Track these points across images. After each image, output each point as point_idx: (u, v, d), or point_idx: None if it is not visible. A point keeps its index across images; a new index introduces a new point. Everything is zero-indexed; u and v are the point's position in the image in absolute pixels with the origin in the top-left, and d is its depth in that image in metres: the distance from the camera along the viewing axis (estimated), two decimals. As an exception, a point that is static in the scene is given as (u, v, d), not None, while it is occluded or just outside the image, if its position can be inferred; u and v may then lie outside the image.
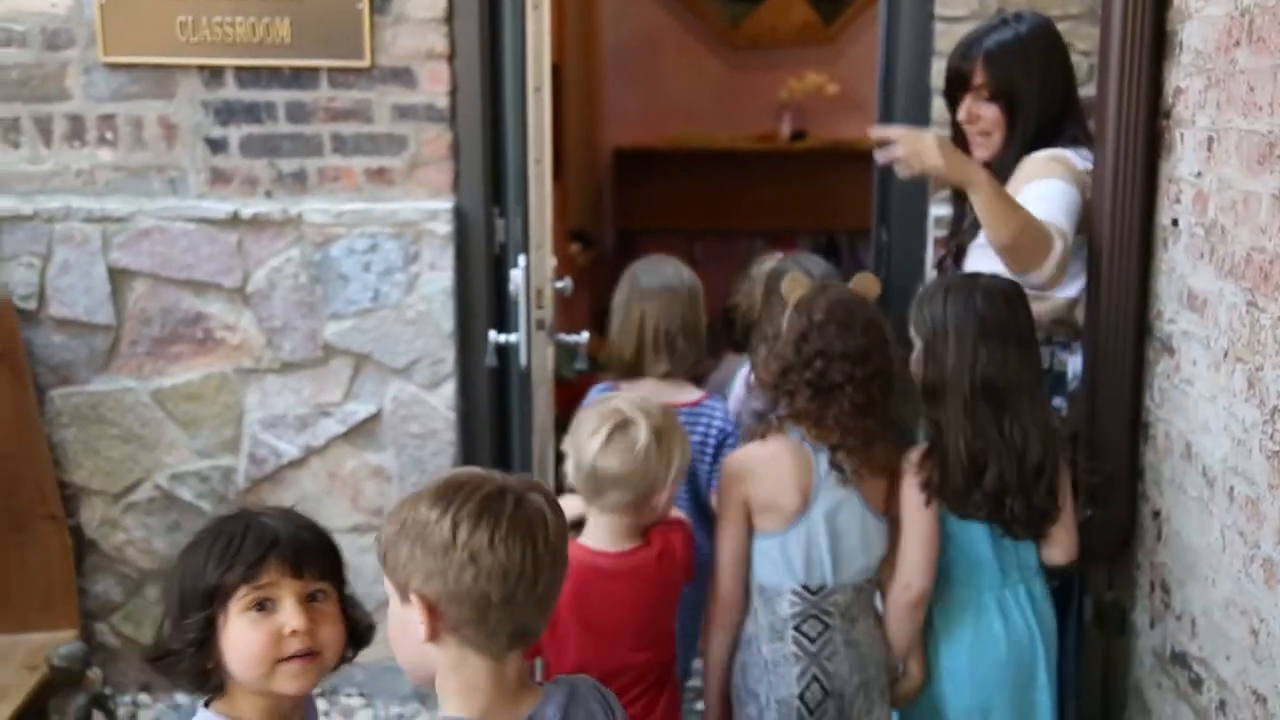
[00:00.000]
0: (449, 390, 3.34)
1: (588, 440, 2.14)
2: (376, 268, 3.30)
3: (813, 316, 2.19)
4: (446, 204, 3.29)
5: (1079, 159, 2.44)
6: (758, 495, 2.23)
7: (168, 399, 3.34)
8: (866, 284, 2.30)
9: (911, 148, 2.27)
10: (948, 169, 2.25)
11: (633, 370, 2.76)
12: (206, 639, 1.59)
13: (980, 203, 2.24)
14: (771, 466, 2.22)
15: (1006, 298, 2.21)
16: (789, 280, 2.31)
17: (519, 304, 2.70)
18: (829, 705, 2.20)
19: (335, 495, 3.39)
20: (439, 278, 3.30)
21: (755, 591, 2.26)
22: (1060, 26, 3.03)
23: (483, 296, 3.35)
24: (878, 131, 2.34)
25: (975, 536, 2.26)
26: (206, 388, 3.34)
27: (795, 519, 2.21)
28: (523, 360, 2.73)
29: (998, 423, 2.18)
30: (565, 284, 3.10)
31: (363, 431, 3.37)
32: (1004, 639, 2.25)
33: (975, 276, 2.33)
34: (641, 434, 2.12)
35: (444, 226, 3.29)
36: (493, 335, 3.06)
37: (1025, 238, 2.24)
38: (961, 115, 2.58)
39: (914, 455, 2.24)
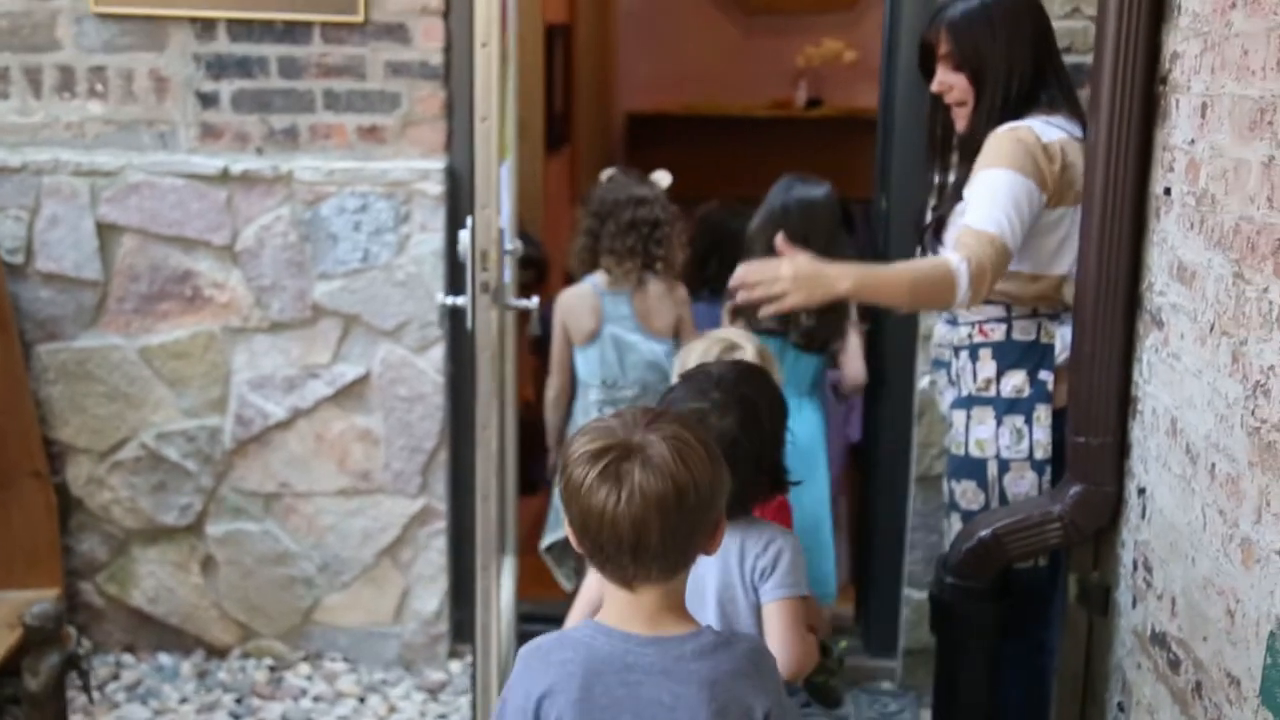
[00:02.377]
0: (438, 354, 3.30)
1: (699, 361, 2.37)
2: (367, 227, 3.26)
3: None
4: (439, 164, 3.25)
5: (1048, 128, 2.39)
6: (569, 322, 3.46)
7: (155, 357, 3.32)
8: (657, 176, 3.66)
9: (766, 290, 2.22)
10: (808, 299, 2.25)
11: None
12: None
13: (863, 299, 2.53)
14: (576, 302, 3.47)
15: (808, 200, 3.41)
16: (607, 174, 3.69)
17: (465, 267, 2.67)
18: None
19: (322, 457, 3.36)
20: (430, 239, 3.26)
21: (579, 384, 3.47)
22: (1067, -10, 2.99)
23: (474, 259, 3.31)
24: (735, 280, 2.29)
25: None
26: (194, 346, 3.32)
27: (593, 337, 3.43)
28: (468, 325, 2.68)
29: None
30: (515, 246, 3.08)
31: (351, 394, 3.34)
32: None
33: (797, 182, 3.43)
34: (748, 353, 2.44)
35: (436, 187, 3.24)
36: (439, 297, 3.00)
37: (923, 297, 2.38)
38: (934, 86, 2.55)
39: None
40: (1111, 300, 2.27)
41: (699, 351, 2.47)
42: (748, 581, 2.07)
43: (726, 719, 1.56)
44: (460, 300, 2.85)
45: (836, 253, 3.07)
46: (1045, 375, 2.42)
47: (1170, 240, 2.12)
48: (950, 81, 2.51)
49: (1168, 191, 2.14)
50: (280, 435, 3.35)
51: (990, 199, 2.33)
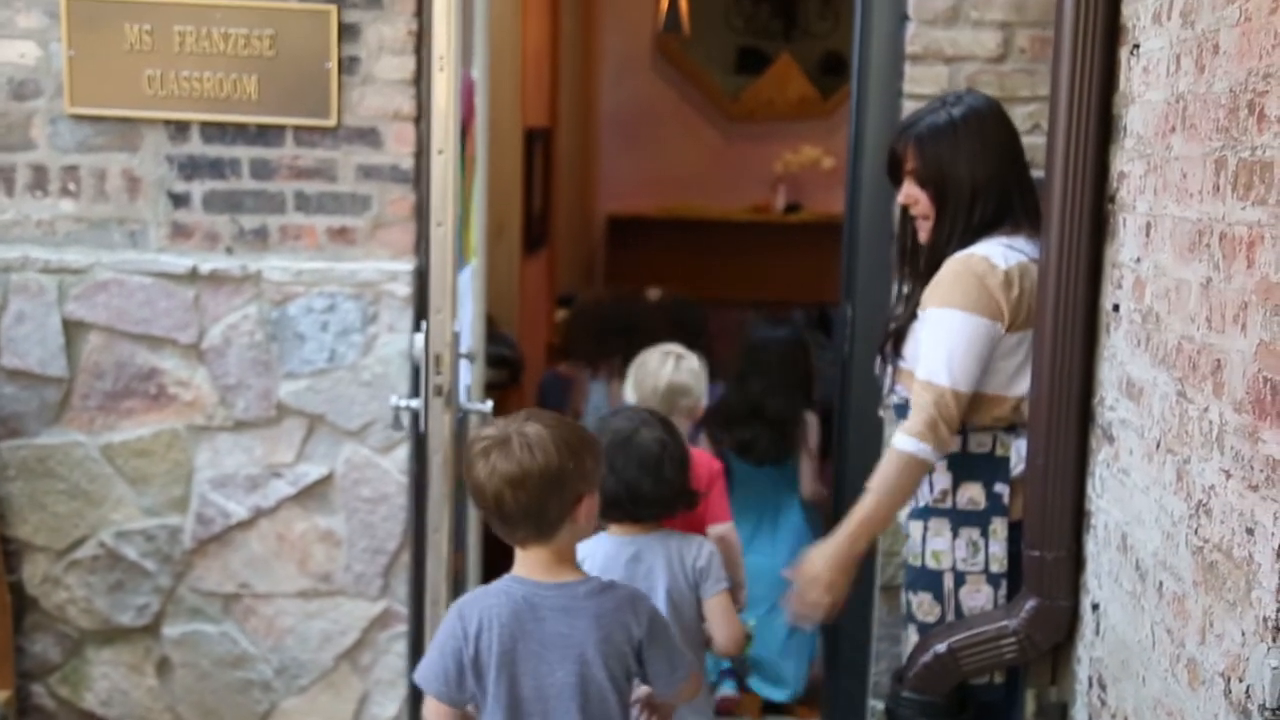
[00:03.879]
0: (402, 454, 3.29)
1: (659, 369, 3.20)
2: (334, 328, 3.27)
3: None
4: (407, 265, 3.27)
5: (1009, 252, 2.40)
6: None
7: (117, 455, 3.30)
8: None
9: (814, 610, 2.51)
10: (847, 583, 2.51)
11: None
12: None
13: (877, 534, 2.64)
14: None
15: (770, 339, 4.06)
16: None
17: (420, 370, 2.69)
18: None
19: (283, 558, 3.33)
20: (397, 339, 3.27)
21: None
22: (1029, 109, 3.05)
23: (441, 360, 3.32)
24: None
25: (739, 469, 3.88)
26: (157, 444, 3.30)
27: None
28: (421, 427, 2.69)
29: (747, 395, 3.91)
30: (471, 349, 3.09)
31: (314, 494, 3.31)
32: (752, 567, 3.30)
33: (774, 321, 4.21)
34: (693, 360, 3.25)
35: (404, 288, 3.26)
36: (394, 399, 3.01)
37: (906, 491, 2.46)
38: (900, 198, 2.56)
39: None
40: (1065, 414, 2.28)
41: (656, 359, 3.24)
42: (690, 580, 2.62)
43: (609, 644, 2.08)
44: (414, 402, 2.85)
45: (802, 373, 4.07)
46: (1001, 488, 2.42)
47: (1119, 356, 2.14)
48: (915, 195, 2.52)
49: (1116, 308, 2.16)
50: (241, 535, 3.32)
51: (941, 345, 2.38)
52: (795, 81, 7.35)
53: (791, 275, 7.01)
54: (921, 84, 3.10)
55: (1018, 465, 2.42)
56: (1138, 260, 2.05)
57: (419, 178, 3.27)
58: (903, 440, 2.39)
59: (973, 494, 2.43)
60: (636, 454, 2.54)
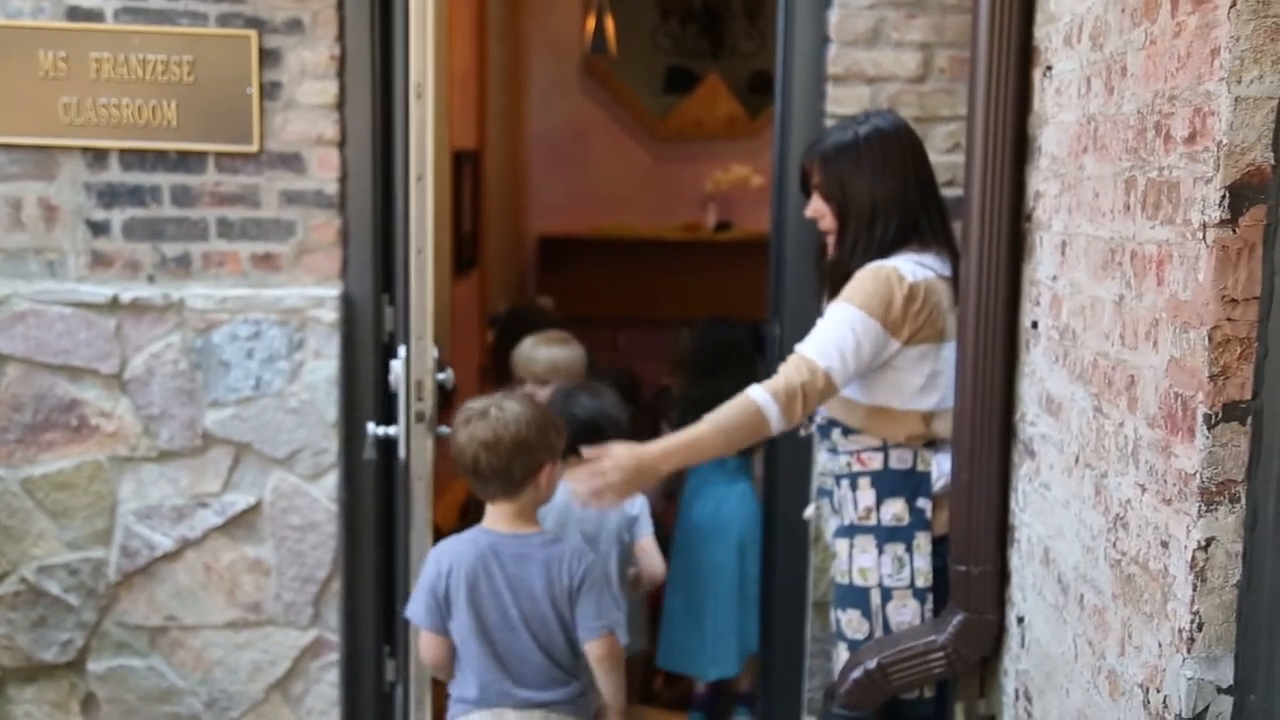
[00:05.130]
0: (331, 481, 3.26)
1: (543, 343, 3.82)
2: (259, 355, 3.23)
3: None
4: (334, 291, 3.24)
5: (917, 268, 2.43)
6: None
7: (38, 488, 3.23)
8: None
9: (592, 485, 2.40)
10: (637, 487, 2.55)
11: None
12: None
13: (689, 465, 2.62)
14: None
15: (732, 337, 4.17)
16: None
17: (399, 396, 2.69)
18: None
19: (211, 589, 3.28)
20: (324, 366, 3.24)
21: None
22: (949, 128, 3.09)
23: (369, 386, 3.29)
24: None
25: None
26: (79, 477, 3.24)
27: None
28: (401, 454, 2.69)
29: (717, 388, 3.40)
30: (447, 376, 3.06)
31: (241, 523, 3.27)
32: (700, 514, 3.84)
33: (724, 323, 4.25)
34: (570, 347, 3.84)
35: (330, 314, 3.23)
36: (371, 427, 2.99)
37: (740, 440, 2.43)
38: (807, 212, 2.60)
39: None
40: (987, 430, 2.31)
41: (544, 342, 3.80)
42: (626, 522, 3.19)
43: (555, 586, 2.55)
44: (392, 430, 2.85)
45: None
46: (923, 503, 2.45)
47: (1039, 372, 2.17)
48: (821, 210, 2.57)
49: (1035, 325, 2.19)
50: (167, 567, 3.27)
51: (830, 330, 2.41)
52: (723, 101, 7.38)
53: (724, 292, 7.01)
54: (844, 104, 3.13)
55: (939, 480, 2.45)
56: (1054, 278, 2.08)
57: (344, 202, 3.24)
58: (758, 391, 2.39)
59: (896, 510, 2.46)
60: (594, 405, 3.18)
